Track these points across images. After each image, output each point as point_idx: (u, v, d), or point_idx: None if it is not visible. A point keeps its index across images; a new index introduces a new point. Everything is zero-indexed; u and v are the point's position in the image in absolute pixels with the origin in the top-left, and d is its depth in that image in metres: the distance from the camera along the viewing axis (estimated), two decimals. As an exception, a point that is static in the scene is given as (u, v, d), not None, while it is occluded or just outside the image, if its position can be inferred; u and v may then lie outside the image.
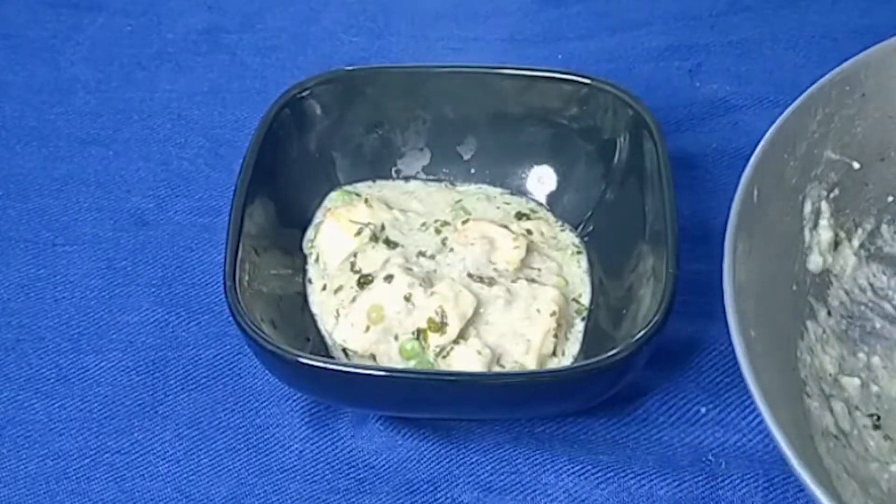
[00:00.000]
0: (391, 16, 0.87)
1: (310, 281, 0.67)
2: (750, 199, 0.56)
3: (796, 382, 0.57)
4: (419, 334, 0.61)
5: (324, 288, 0.66)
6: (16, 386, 0.66)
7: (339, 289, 0.65)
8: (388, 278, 0.63)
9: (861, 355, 0.60)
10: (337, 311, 0.64)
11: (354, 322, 0.62)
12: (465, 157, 0.72)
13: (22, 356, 0.67)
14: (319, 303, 0.65)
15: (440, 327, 0.61)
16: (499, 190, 0.71)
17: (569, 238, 0.69)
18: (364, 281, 0.64)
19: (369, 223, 0.67)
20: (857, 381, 0.59)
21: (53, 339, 0.68)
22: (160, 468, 0.62)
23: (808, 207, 0.60)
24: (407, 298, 0.62)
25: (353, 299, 0.63)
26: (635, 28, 0.85)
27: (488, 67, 0.71)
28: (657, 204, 0.63)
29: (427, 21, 0.86)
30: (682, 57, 0.82)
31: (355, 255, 0.66)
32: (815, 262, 0.61)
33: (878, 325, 0.62)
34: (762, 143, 0.57)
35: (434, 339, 0.61)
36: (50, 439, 0.64)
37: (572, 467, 0.61)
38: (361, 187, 0.71)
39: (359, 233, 0.66)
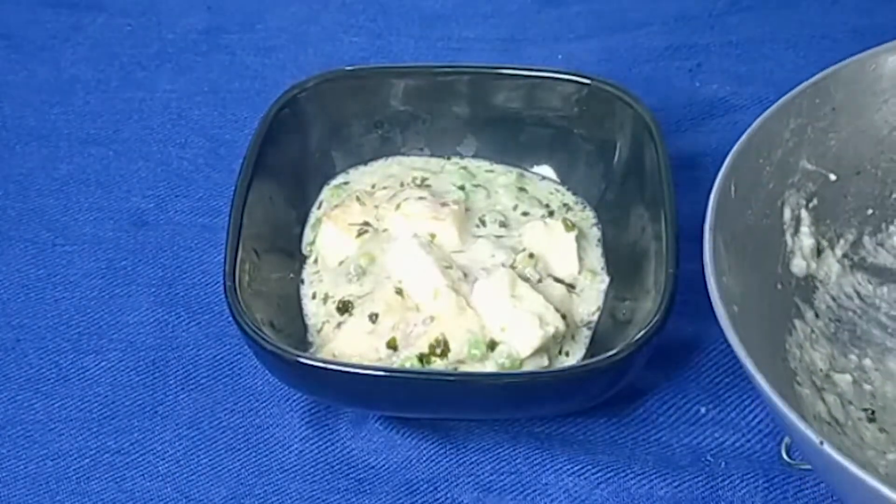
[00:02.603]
0: (391, 16, 0.87)
1: (302, 281, 0.66)
2: (728, 194, 0.56)
3: (787, 371, 0.56)
4: (421, 358, 0.60)
5: (314, 296, 0.65)
6: (16, 386, 0.66)
7: (326, 298, 0.65)
8: (373, 317, 0.62)
9: (852, 356, 0.60)
10: (322, 326, 0.64)
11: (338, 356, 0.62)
12: (465, 157, 0.72)
13: (22, 356, 0.67)
14: (312, 314, 0.65)
15: (443, 353, 0.60)
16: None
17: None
18: (343, 308, 0.63)
19: (366, 221, 0.66)
20: (848, 377, 0.59)
21: (53, 339, 0.68)
22: (160, 468, 0.62)
23: (787, 213, 0.60)
24: (391, 345, 0.61)
25: (338, 325, 0.63)
26: (635, 28, 0.85)
27: (488, 67, 0.71)
28: (657, 204, 0.63)
29: (427, 21, 0.86)
30: (682, 57, 0.82)
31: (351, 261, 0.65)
32: (798, 265, 0.60)
33: (867, 330, 0.61)
34: (737, 144, 0.57)
35: (439, 362, 0.60)
36: (50, 439, 0.64)
37: (572, 467, 0.61)
38: (354, 174, 0.71)
39: (360, 234, 0.66)
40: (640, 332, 0.57)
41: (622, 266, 0.65)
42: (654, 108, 0.67)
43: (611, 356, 0.57)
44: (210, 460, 0.62)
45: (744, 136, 0.57)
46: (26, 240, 0.73)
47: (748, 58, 0.82)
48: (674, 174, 0.63)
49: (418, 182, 0.69)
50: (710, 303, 0.64)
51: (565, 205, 0.69)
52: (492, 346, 0.60)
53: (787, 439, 0.58)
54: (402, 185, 0.69)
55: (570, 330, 0.63)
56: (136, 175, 0.77)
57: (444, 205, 0.66)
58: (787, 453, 0.58)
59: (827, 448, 0.45)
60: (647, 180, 0.65)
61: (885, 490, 0.43)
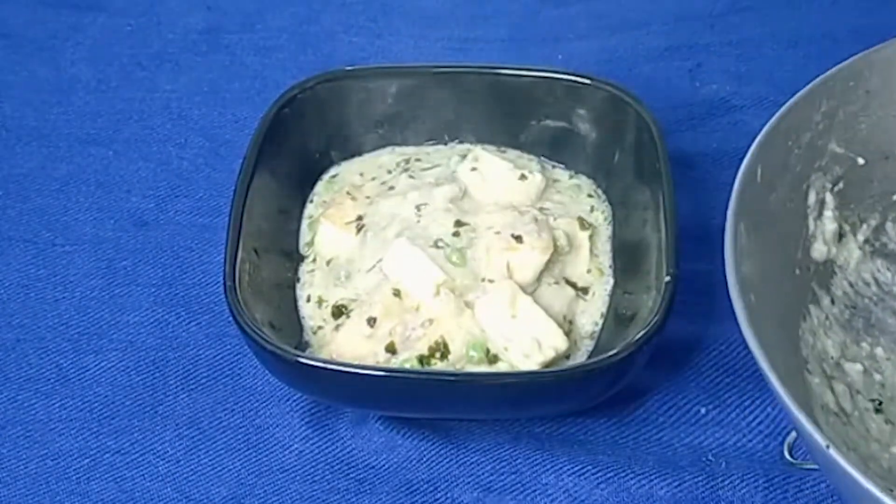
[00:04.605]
0: (391, 16, 0.87)
1: (298, 279, 0.66)
2: (753, 178, 0.55)
3: (798, 360, 0.56)
4: (421, 360, 0.60)
5: (308, 299, 0.65)
6: (16, 386, 0.66)
7: (321, 301, 0.65)
8: (371, 321, 0.61)
9: (864, 345, 0.60)
10: (317, 329, 0.64)
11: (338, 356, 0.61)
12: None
13: (22, 356, 0.67)
14: (308, 316, 0.65)
15: (443, 356, 0.60)
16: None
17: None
18: (338, 313, 0.63)
19: (359, 216, 0.66)
20: (859, 366, 0.58)
21: (53, 339, 0.68)
22: (160, 468, 0.62)
23: (812, 197, 0.60)
24: (389, 349, 0.61)
25: (336, 328, 0.63)
26: (635, 28, 0.85)
27: (488, 67, 0.71)
28: (657, 204, 0.63)
29: (427, 21, 0.86)
30: (682, 57, 0.82)
31: (344, 261, 0.65)
32: (819, 250, 0.60)
33: (881, 319, 0.61)
34: (766, 126, 0.57)
35: (439, 365, 0.60)
36: (50, 439, 0.64)
37: (572, 467, 0.61)
38: (345, 164, 0.71)
39: (359, 230, 0.66)
40: (640, 332, 0.57)
41: (623, 266, 0.65)
42: (654, 108, 0.67)
43: (611, 356, 0.56)
44: (210, 460, 0.62)
45: (773, 119, 0.57)
46: (26, 240, 0.73)
47: (748, 58, 0.82)
48: (674, 174, 0.63)
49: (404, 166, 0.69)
50: (713, 304, 0.65)
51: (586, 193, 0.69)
52: (493, 360, 0.60)
53: (789, 438, 0.58)
54: (388, 172, 0.69)
55: (573, 336, 0.62)
56: (136, 175, 0.77)
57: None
58: (790, 453, 0.58)
59: (832, 453, 0.45)
60: (647, 180, 0.65)
61: (888, 501, 0.43)
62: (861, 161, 0.61)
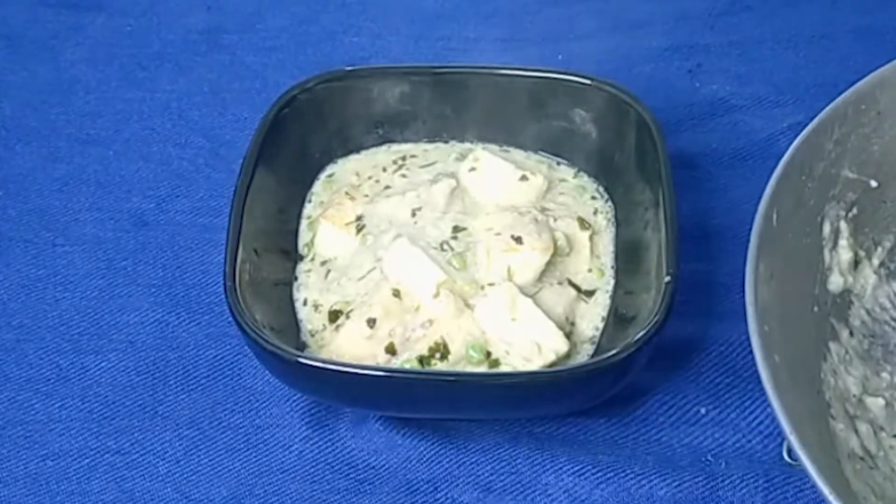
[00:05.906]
0: (391, 16, 0.87)
1: (296, 278, 0.66)
2: (769, 223, 0.55)
3: (821, 405, 0.56)
4: (421, 361, 0.60)
5: (305, 302, 0.65)
6: (16, 386, 0.66)
7: (317, 305, 0.65)
8: (371, 322, 0.61)
9: (884, 375, 0.60)
10: (316, 332, 0.63)
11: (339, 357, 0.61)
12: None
13: (22, 356, 0.67)
14: (306, 319, 0.64)
15: (443, 357, 0.60)
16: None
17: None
18: (334, 317, 0.63)
19: (359, 216, 0.66)
20: (881, 400, 0.58)
21: (53, 339, 0.68)
22: (160, 468, 0.62)
23: (827, 228, 0.60)
24: (389, 350, 0.61)
25: (336, 328, 0.62)
26: (635, 28, 0.85)
27: (488, 67, 0.71)
28: (657, 204, 0.63)
29: (427, 21, 0.86)
30: (682, 57, 0.82)
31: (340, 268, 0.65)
32: (835, 282, 0.60)
33: None
34: (780, 165, 0.56)
35: (439, 366, 0.60)
36: (50, 439, 0.64)
37: (572, 467, 0.61)
38: (342, 162, 0.71)
39: (359, 230, 0.66)
40: (640, 332, 0.57)
41: (623, 266, 0.65)
42: (654, 108, 0.67)
43: (611, 356, 0.56)
44: (210, 460, 0.62)
45: (786, 155, 0.57)
46: (26, 240, 0.73)
47: (748, 58, 0.82)
48: (674, 174, 0.63)
49: (399, 164, 0.69)
50: (713, 304, 0.65)
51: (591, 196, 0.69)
52: (494, 364, 0.60)
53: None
54: (384, 170, 0.69)
55: (575, 339, 0.62)
56: (136, 175, 0.77)
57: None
58: (790, 453, 0.58)
59: None
60: (647, 180, 0.65)
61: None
62: (874, 183, 0.61)
